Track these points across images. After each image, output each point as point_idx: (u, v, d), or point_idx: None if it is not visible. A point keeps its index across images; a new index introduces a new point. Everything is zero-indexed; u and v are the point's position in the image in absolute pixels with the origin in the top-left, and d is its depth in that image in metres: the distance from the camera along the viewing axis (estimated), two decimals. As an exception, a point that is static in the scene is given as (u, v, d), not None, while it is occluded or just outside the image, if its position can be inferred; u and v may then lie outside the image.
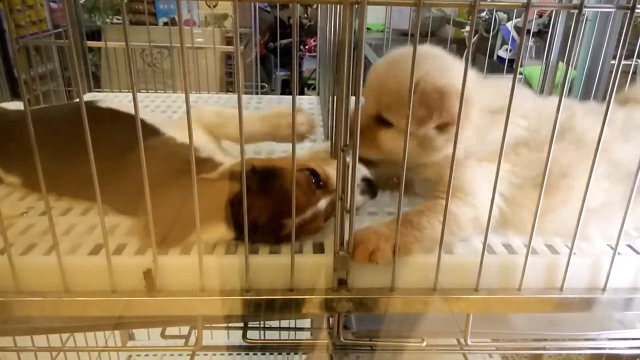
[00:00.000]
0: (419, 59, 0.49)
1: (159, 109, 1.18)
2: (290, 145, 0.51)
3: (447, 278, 0.59)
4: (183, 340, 0.76)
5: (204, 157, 0.66)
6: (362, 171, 0.65)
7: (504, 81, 0.76)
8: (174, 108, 1.19)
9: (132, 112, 0.49)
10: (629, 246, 0.65)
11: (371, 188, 0.65)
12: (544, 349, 0.71)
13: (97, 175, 0.50)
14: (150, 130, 0.70)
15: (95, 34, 2.23)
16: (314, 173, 0.60)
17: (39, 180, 0.51)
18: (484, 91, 0.64)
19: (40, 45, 1.76)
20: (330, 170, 0.62)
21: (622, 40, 0.51)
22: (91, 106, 0.74)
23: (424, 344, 0.66)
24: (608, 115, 0.68)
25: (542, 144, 0.64)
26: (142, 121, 0.71)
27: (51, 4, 2.33)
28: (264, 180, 0.59)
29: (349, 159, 0.50)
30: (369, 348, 0.68)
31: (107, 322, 0.71)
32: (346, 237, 0.56)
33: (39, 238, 0.62)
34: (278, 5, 3.07)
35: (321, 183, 0.61)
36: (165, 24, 3.09)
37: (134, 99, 0.49)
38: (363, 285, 0.60)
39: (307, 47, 3.97)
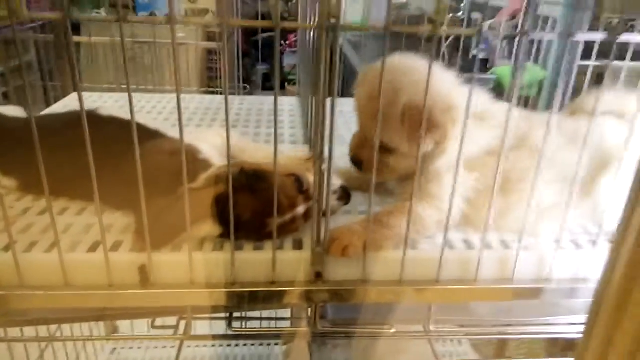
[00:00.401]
0: (398, 77, 0.55)
1: (144, 109, 1.22)
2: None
3: (412, 271, 0.66)
4: (172, 331, 0.82)
5: (201, 159, 0.72)
6: (339, 180, 0.72)
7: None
8: (159, 109, 1.23)
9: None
10: (573, 242, 0.73)
11: (346, 195, 0.72)
12: (501, 333, 0.79)
13: (99, 176, 0.56)
14: (151, 134, 0.75)
15: (74, 29, 2.23)
16: (298, 179, 0.67)
17: (42, 181, 0.57)
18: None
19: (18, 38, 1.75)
20: (311, 175, 0.68)
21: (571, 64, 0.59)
22: (92, 114, 0.78)
23: (393, 330, 0.73)
24: (557, 125, 0.76)
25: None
26: (143, 126, 0.77)
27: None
28: (250, 182, 0.65)
29: (324, 167, 0.57)
30: (344, 335, 0.75)
31: (100, 313, 0.76)
32: (322, 235, 0.62)
33: (39, 236, 0.67)
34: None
35: (304, 189, 0.67)
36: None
37: (130, 103, 0.54)
38: (338, 278, 0.66)
39: (287, 42, 4.01)
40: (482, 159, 0.71)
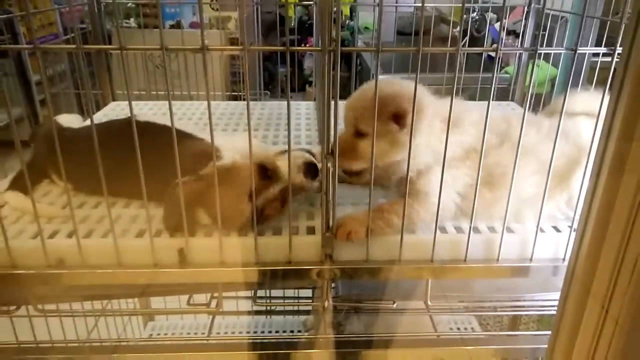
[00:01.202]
0: (386, 87, 0.65)
1: (175, 115, 1.35)
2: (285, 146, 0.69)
3: (409, 252, 0.77)
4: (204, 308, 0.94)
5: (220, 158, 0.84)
6: (305, 156, 0.80)
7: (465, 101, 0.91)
8: (189, 115, 1.36)
9: (167, 123, 0.66)
10: (554, 227, 0.82)
11: (312, 170, 0.79)
12: (495, 308, 0.89)
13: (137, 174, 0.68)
14: (185, 136, 0.88)
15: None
16: (262, 167, 0.77)
17: (95, 182, 0.69)
18: (442, 108, 0.80)
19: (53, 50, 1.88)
20: (280, 163, 0.78)
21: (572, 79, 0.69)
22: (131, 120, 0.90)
23: (395, 305, 0.84)
24: (537, 124, 0.86)
25: (487, 149, 0.80)
26: (177, 129, 0.90)
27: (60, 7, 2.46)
28: (223, 175, 0.75)
29: (329, 165, 0.68)
30: (352, 309, 0.86)
31: (144, 290, 0.89)
32: (330, 222, 0.74)
33: (95, 225, 0.80)
34: (277, 4, 3.23)
35: (269, 174, 0.77)
36: (172, 26, 3.26)
37: (170, 110, 0.66)
38: (345, 258, 0.78)
39: (307, 45, 4.13)
40: (468, 155, 0.80)
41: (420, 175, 0.80)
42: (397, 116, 0.78)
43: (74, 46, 0.63)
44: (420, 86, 0.69)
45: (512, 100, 1.58)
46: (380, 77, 0.80)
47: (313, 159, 0.80)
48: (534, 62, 0.70)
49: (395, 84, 0.80)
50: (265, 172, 0.77)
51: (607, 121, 0.52)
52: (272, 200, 0.77)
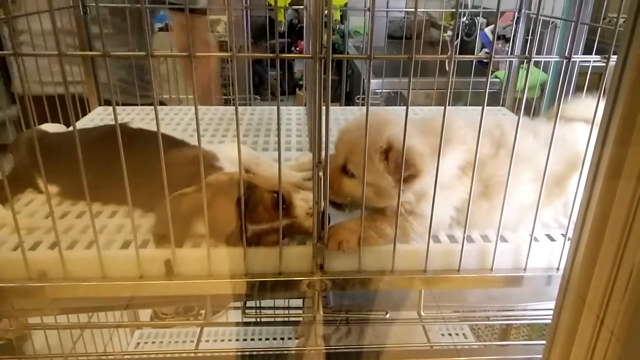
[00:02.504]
0: (382, 124, 0.63)
1: (164, 121, 1.33)
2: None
3: (402, 262, 0.76)
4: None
5: (217, 166, 0.82)
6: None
7: (449, 114, 0.89)
8: (177, 120, 1.34)
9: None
10: (547, 235, 0.81)
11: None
12: (488, 318, 0.88)
13: (128, 182, 0.66)
14: (177, 143, 0.85)
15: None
16: (278, 196, 0.73)
17: (80, 189, 0.67)
18: (432, 129, 0.77)
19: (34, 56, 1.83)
20: (297, 197, 0.76)
21: (564, 87, 0.68)
22: (124, 127, 0.89)
23: (387, 315, 0.82)
24: (534, 131, 0.85)
25: (483, 160, 0.78)
26: (169, 137, 0.87)
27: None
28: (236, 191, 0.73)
29: (320, 174, 0.66)
30: (345, 320, 0.85)
31: (130, 302, 0.87)
32: (322, 232, 0.72)
33: (79, 236, 0.78)
34: (267, 8, 3.21)
35: (284, 206, 0.74)
36: (160, 29, 3.22)
37: (156, 116, 0.64)
38: (337, 269, 0.76)
39: (298, 48, 4.12)
40: (465, 172, 0.78)
41: (413, 203, 0.77)
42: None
43: (55, 53, 0.60)
44: (411, 126, 0.67)
45: (503, 105, 1.58)
46: (374, 109, 0.78)
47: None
48: (527, 69, 0.68)
49: (399, 133, 0.74)
50: (282, 201, 0.74)
51: (603, 126, 0.51)
52: (273, 231, 0.73)
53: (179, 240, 0.74)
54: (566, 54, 0.70)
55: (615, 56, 0.55)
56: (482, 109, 0.68)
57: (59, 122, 1.13)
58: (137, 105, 1.45)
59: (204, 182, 0.67)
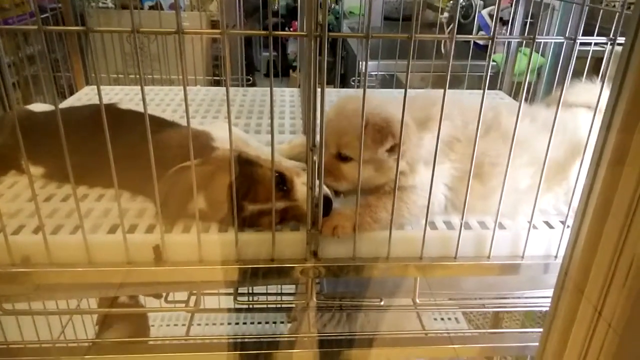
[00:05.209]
0: (360, 105, 0.62)
1: (153, 102, 1.29)
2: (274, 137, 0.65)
3: (398, 249, 0.74)
4: (183, 305, 0.90)
5: (214, 145, 0.80)
6: (325, 190, 0.74)
7: (430, 92, 0.87)
8: (167, 101, 1.30)
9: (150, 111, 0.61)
10: (546, 222, 0.80)
11: (326, 206, 0.72)
12: (483, 306, 0.87)
13: (116, 164, 0.63)
14: (168, 124, 0.82)
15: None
16: (282, 177, 0.73)
17: (67, 170, 0.64)
18: (414, 105, 0.77)
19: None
20: (298, 181, 0.74)
21: (570, 68, 0.66)
22: (113, 107, 0.85)
23: (382, 303, 0.81)
24: (531, 115, 0.83)
25: (471, 139, 0.77)
26: (160, 118, 0.84)
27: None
28: (241, 167, 0.71)
29: (315, 158, 0.64)
30: (339, 307, 0.83)
31: (118, 288, 0.85)
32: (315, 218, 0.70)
33: (64, 220, 0.75)
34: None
35: (285, 188, 0.73)
36: (151, 7, 3.14)
37: (143, 97, 0.61)
38: (331, 255, 0.74)
39: (292, 29, 4.05)
40: (450, 147, 0.77)
41: (407, 173, 0.76)
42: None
43: (35, 27, 0.57)
44: (397, 103, 0.65)
45: (500, 89, 1.55)
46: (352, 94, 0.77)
47: (330, 195, 0.75)
48: (531, 51, 0.66)
49: (379, 107, 0.75)
50: (283, 183, 0.73)
51: (608, 112, 0.49)
52: (271, 212, 0.70)
53: (181, 213, 0.72)
54: (570, 36, 0.67)
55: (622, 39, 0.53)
56: (483, 91, 0.65)
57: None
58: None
59: (193, 160, 0.64)
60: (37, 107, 0.96)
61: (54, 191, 0.83)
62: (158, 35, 1.73)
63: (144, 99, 0.61)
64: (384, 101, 0.78)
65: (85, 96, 1.32)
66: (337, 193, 0.79)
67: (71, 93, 1.35)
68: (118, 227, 0.72)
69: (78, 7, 1.46)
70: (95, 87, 1.39)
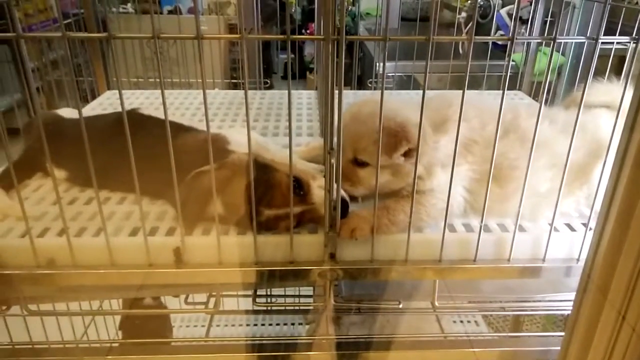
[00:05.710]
0: (375, 109, 0.62)
1: (173, 105, 1.31)
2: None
3: (416, 252, 0.73)
4: (202, 307, 0.91)
5: (229, 149, 0.81)
6: (341, 193, 0.73)
7: (446, 93, 0.86)
8: (186, 105, 1.32)
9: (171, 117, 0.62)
10: (567, 225, 0.78)
11: (343, 209, 0.72)
12: (502, 309, 0.86)
13: (137, 168, 0.64)
14: (186, 129, 0.84)
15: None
16: (298, 182, 0.73)
17: (90, 174, 0.65)
18: (430, 107, 0.75)
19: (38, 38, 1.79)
20: (314, 184, 0.74)
21: (592, 69, 0.65)
22: (134, 113, 0.87)
23: (400, 305, 0.80)
24: (550, 117, 0.81)
25: (489, 141, 0.76)
26: (178, 124, 0.85)
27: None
28: (256, 172, 0.71)
29: (333, 160, 0.64)
30: (357, 310, 0.83)
31: (139, 290, 0.86)
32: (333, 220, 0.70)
33: (87, 223, 0.76)
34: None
35: (302, 192, 0.73)
36: (170, 12, 3.19)
37: (163, 101, 0.62)
38: (349, 258, 0.74)
39: (309, 31, 4.06)
40: (467, 149, 0.76)
41: (425, 177, 0.76)
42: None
43: (59, 34, 0.58)
44: (413, 105, 0.65)
45: (520, 89, 1.53)
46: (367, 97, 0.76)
47: (346, 197, 0.74)
48: (552, 51, 0.65)
49: (394, 110, 0.75)
50: (299, 187, 0.73)
51: (632, 112, 0.48)
52: (289, 216, 0.70)
53: (199, 217, 0.73)
54: (592, 35, 0.66)
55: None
56: (502, 91, 0.65)
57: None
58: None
59: (212, 164, 0.65)
60: (65, 112, 0.98)
61: (77, 195, 0.85)
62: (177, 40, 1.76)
63: (164, 104, 0.62)
64: (400, 103, 0.78)
65: (107, 100, 1.35)
66: (353, 198, 0.78)
67: (93, 97, 1.37)
68: (139, 229, 0.74)
69: (100, 13, 1.49)
70: (116, 91, 1.42)
